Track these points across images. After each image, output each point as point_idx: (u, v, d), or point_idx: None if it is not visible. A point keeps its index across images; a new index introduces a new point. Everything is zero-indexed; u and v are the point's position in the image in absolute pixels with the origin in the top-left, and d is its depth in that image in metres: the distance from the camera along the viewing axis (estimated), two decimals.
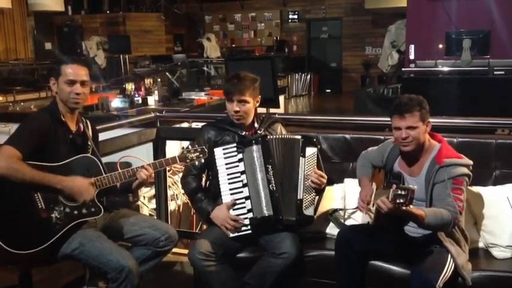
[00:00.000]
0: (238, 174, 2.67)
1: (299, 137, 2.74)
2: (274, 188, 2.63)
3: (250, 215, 2.63)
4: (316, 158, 2.75)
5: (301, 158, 2.69)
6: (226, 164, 2.69)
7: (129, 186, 2.63)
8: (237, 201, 2.66)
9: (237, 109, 2.71)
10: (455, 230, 2.44)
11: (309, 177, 2.68)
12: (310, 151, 2.72)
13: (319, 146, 2.82)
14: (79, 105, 2.55)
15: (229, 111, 2.76)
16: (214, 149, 2.68)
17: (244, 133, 2.79)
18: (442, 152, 2.47)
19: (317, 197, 2.74)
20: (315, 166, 2.73)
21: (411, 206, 2.20)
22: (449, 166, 2.41)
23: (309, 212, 2.67)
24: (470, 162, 2.47)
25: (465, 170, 2.43)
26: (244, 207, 2.65)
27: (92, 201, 2.44)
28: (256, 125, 2.83)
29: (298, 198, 2.65)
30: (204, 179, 2.92)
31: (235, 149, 2.69)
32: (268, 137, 2.73)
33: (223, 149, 2.70)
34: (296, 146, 2.71)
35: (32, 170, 2.32)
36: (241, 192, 2.66)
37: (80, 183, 2.41)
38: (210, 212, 2.70)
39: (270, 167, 2.65)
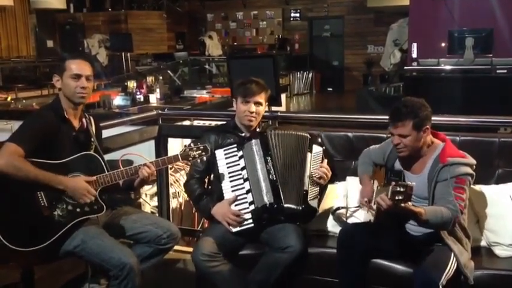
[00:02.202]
0: (239, 171, 2.72)
1: (307, 135, 2.83)
2: (275, 178, 2.68)
3: (252, 207, 2.66)
4: (321, 158, 2.81)
5: (308, 153, 2.76)
6: (228, 163, 2.74)
7: (131, 184, 2.62)
8: (239, 197, 2.69)
9: (254, 110, 2.78)
10: (457, 228, 2.44)
11: (315, 172, 2.73)
12: (317, 149, 2.80)
13: (324, 147, 2.88)
14: (85, 100, 2.55)
15: (242, 113, 2.81)
16: (216, 151, 2.74)
17: (244, 134, 2.85)
18: (446, 151, 2.46)
19: (320, 193, 2.79)
20: (320, 163, 2.79)
21: (410, 203, 2.20)
22: (452, 165, 2.39)
23: (313, 203, 2.72)
24: (474, 161, 2.46)
25: (468, 170, 2.42)
26: (246, 201, 2.68)
27: (94, 200, 2.44)
28: (258, 130, 2.91)
29: (305, 189, 2.70)
30: (206, 183, 2.95)
31: (235, 148, 2.75)
32: (267, 131, 2.81)
33: (224, 150, 2.76)
34: (304, 142, 2.79)
35: (35, 169, 2.32)
36: (243, 187, 2.70)
37: (82, 185, 2.40)
38: (211, 208, 2.73)
39: (269, 158, 2.71)
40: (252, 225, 2.66)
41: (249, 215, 2.66)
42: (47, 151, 2.40)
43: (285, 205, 2.66)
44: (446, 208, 2.31)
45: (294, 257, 2.53)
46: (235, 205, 2.68)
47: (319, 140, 2.94)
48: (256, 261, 2.63)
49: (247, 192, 2.69)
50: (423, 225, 2.35)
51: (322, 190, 2.81)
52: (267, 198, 2.65)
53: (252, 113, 2.78)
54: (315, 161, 2.77)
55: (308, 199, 2.70)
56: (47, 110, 2.56)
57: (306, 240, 2.61)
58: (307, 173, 2.73)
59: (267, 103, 2.91)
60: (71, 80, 2.49)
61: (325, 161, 2.81)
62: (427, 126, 2.43)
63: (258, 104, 2.79)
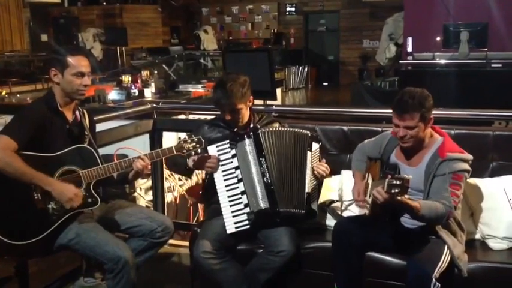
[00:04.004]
0: (233, 170, 2.65)
1: (307, 132, 2.72)
2: (269, 181, 2.61)
3: (248, 209, 2.61)
4: (318, 154, 2.73)
5: (308, 152, 2.67)
6: (221, 161, 2.66)
7: (126, 177, 2.61)
8: (234, 197, 2.63)
9: (230, 118, 2.70)
10: (452, 222, 2.45)
11: (315, 171, 2.66)
12: (315, 146, 2.71)
13: (320, 143, 2.80)
14: (83, 96, 2.55)
15: (229, 122, 2.74)
16: (208, 147, 2.66)
17: (236, 129, 2.77)
18: (446, 146, 2.45)
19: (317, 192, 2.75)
20: (318, 161, 2.72)
21: (406, 196, 2.20)
22: (452, 160, 2.39)
23: (314, 206, 2.67)
24: (471, 157, 2.46)
25: (466, 166, 2.42)
26: (241, 202, 2.63)
27: (88, 193, 2.43)
28: (251, 125, 2.80)
29: (306, 191, 2.62)
30: (202, 178, 2.90)
31: (228, 145, 2.66)
32: (260, 130, 2.70)
33: (217, 146, 2.67)
34: (303, 140, 2.68)
35: (24, 166, 2.28)
36: (237, 187, 2.64)
37: (70, 190, 2.35)
38: (187, 162, 2.64)
39: (263, 159, 2.63)
40: (248, 226, 2.61)
41: (244, 216, 2.61)
42: (41, 144, 2.38)
43: (281, 209, 2.60)
44: (441, 203, 2.31)
45: (285, 261, 2.53)
46: (231, 205, 2.62)
47: (315, 133, 2.85)
48: (252, 256, 2.63)
49: (242, 193, 2.62)
50: (418, 219, 2.36)
51: (319, 187, 2.75)
52: (262, 203, 2.60)
53: (236, 119, 2.71)
54: (314, 159, 2.69)
55: (310, 202, 2.63)
56: (40, 103, 2.54)
57: (298, 241, 2.59)
58: (308, 174, 2.63)
59: (250, 99, 2.75)
60: (75, 78, 2.47)
61: (323, 160, 2.72)
62: (431, 117, 2.43)
63: (238, 111, 2.69)
